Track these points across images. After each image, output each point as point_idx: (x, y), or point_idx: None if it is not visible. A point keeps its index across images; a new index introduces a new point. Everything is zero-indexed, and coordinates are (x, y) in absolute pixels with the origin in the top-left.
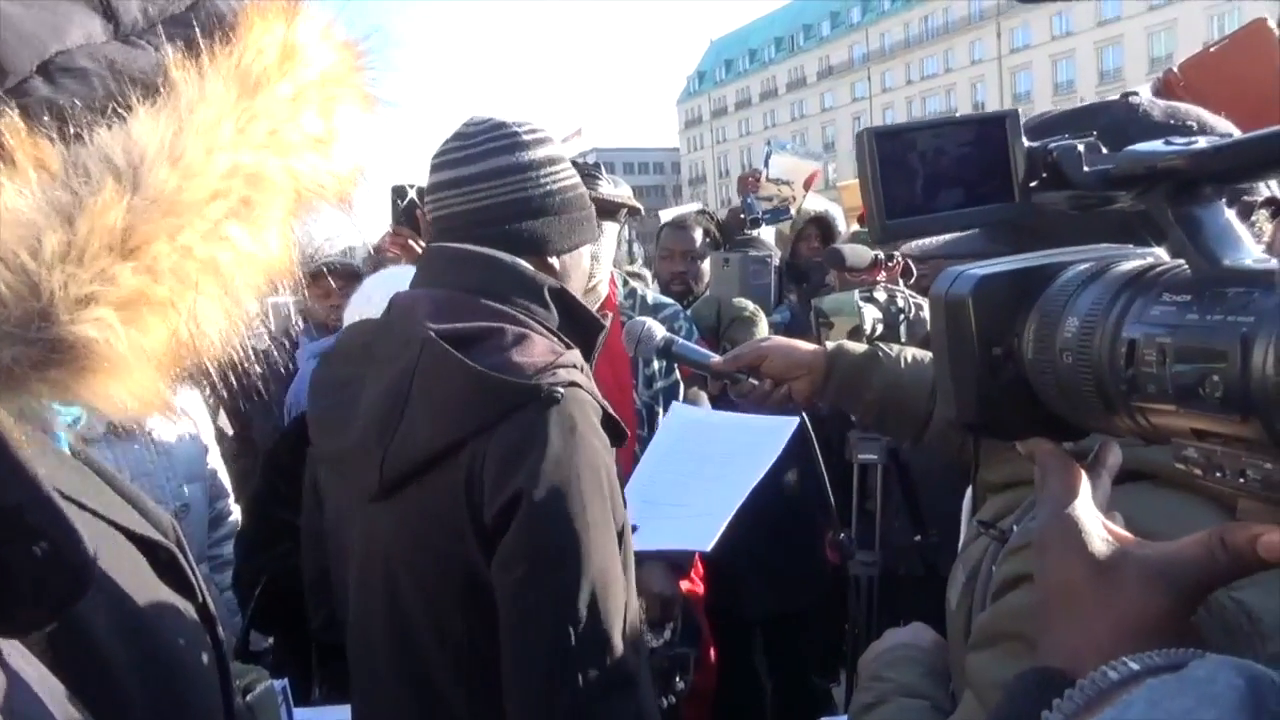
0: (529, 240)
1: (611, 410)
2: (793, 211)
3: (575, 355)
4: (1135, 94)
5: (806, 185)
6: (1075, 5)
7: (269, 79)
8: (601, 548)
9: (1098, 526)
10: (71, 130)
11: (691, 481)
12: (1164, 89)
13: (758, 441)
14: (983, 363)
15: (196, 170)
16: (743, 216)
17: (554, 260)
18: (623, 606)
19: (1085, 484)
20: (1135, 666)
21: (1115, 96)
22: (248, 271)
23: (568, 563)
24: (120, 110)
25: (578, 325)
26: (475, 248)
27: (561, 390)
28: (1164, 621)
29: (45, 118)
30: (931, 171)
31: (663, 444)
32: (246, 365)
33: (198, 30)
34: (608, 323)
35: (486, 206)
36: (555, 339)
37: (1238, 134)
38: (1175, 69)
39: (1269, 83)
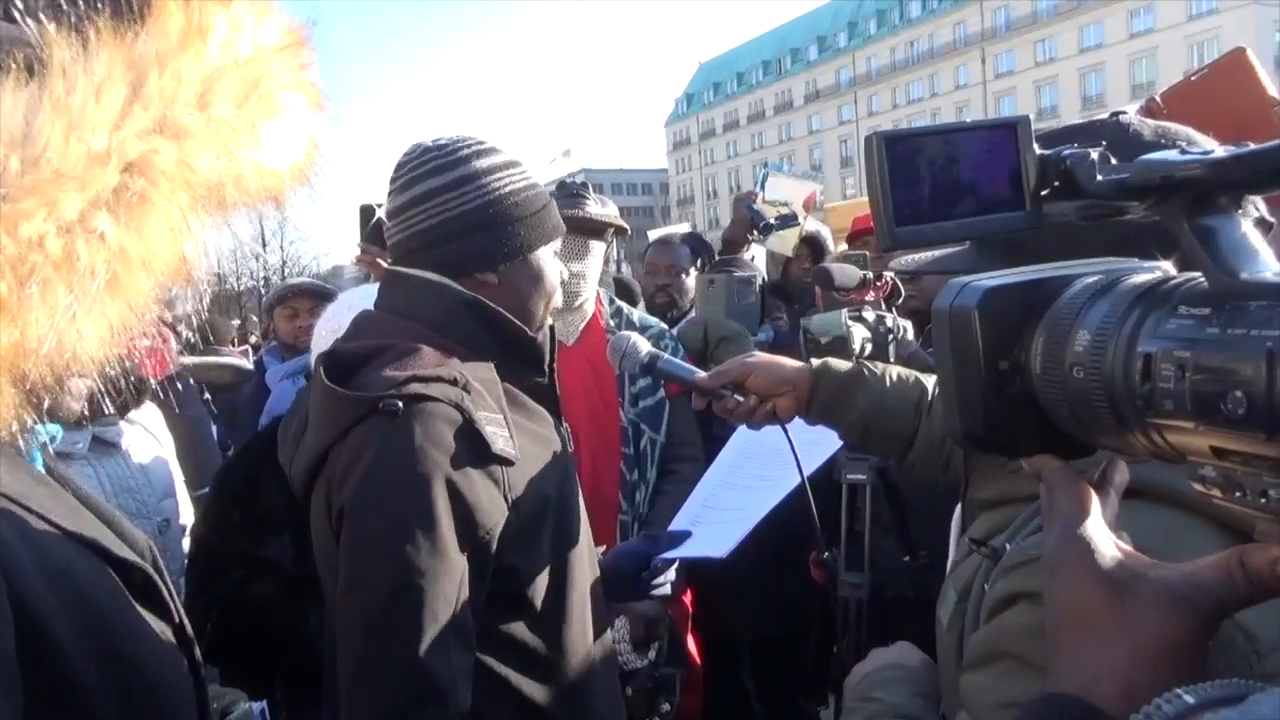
0: (456, 261)
1: (485, 426)
2: (801, 220)
3: (461, 367)
4: (1124, 113)
5: (806, 206)
6: (1058, 33)
7: (164, 60)
8: (414, 560)
9: (1110, 547)
10: None
11: (750, 489)
12: (1146, 115)
13: (808, 451)
14: (989, 377)
15: (52, 153)
16: (751, 225)
17: (489, 275)
18: (440, 621)
19: (1095, 503)
20: (1190, 700)
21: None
22: (126, 268)
23: (376, 573)
24: None
25: (508, 339)
26: (400, 269)
27: (399, 404)
28: (1183, 645)
29: None
30: (941, 179)
31: (733, 450)
32: (130, 372)
33: (102, 9)
34: (541, 336)
35: (415, 233)
36: (469, 352)
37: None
38: (1158, 97)
39: (1249, 110)
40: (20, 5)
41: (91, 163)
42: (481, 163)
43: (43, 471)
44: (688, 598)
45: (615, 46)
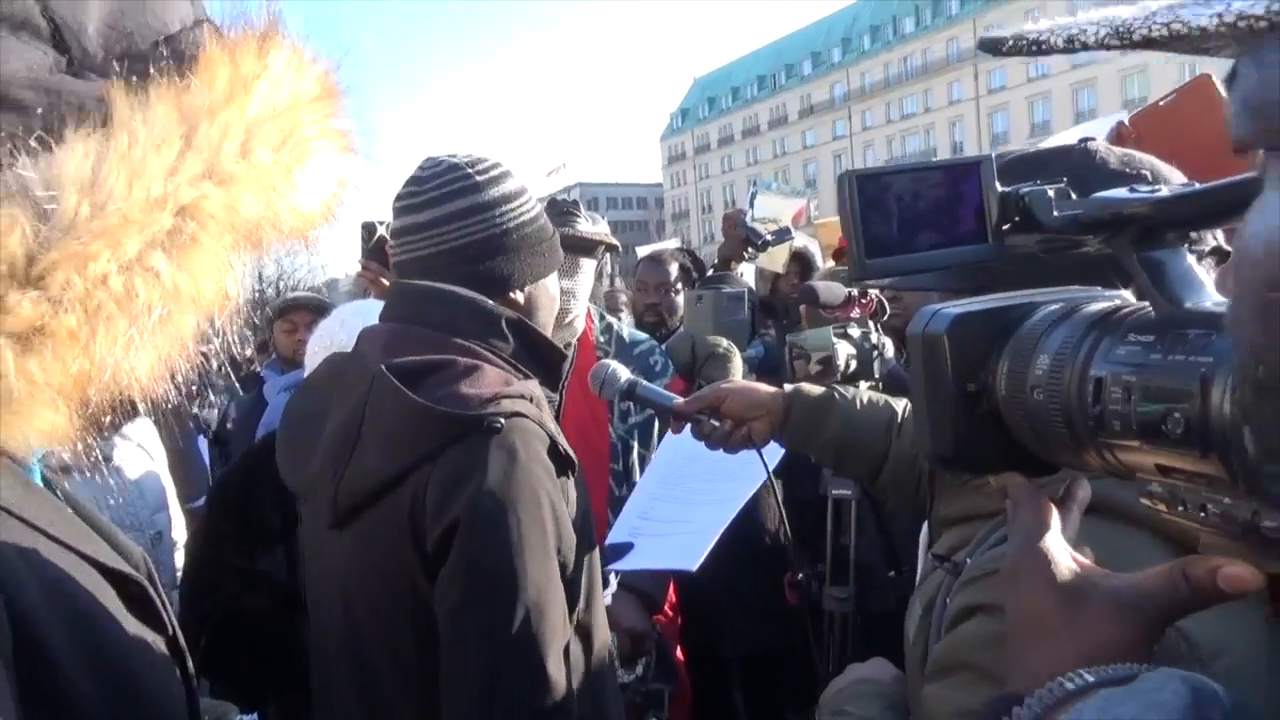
0: (490, 278)
1: (562, 440)
2: (794, 236)
3: (528, 386)
4: (1093, 139)
5: (795, 221)
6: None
7: (213, 112)
8: (537, 575)
9: (1067, 558)
10: None
11: (687, 501)
12: (1116, 139)
13: (749, 462)
14: (958, 398)
15: (115, 199)
16: (747, 242)
17: (517, 294)
18: (559, 634)
19: (1056, 517)
20: (1090, 679)
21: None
22: (178, 304)
23: (501, 589)
24: (51, 139)
25: (539, 356)
26: (435, 284)
27: (502, 420)
28: (1129, 649)
29: None
30: (909, 213)
31: (661, 463)
32: (180, 400)
33: (156, 65)
34: (570, 353)
35: (445, 250)
36: (511, 370)
37: (1187, 183)
38: (1127, 121)
39: (1213, 135)
40: (89, 65)
41: (150, 207)
42: (510, 186)
43: (40, 484)
44: (676, 613)
45: (611, 61)
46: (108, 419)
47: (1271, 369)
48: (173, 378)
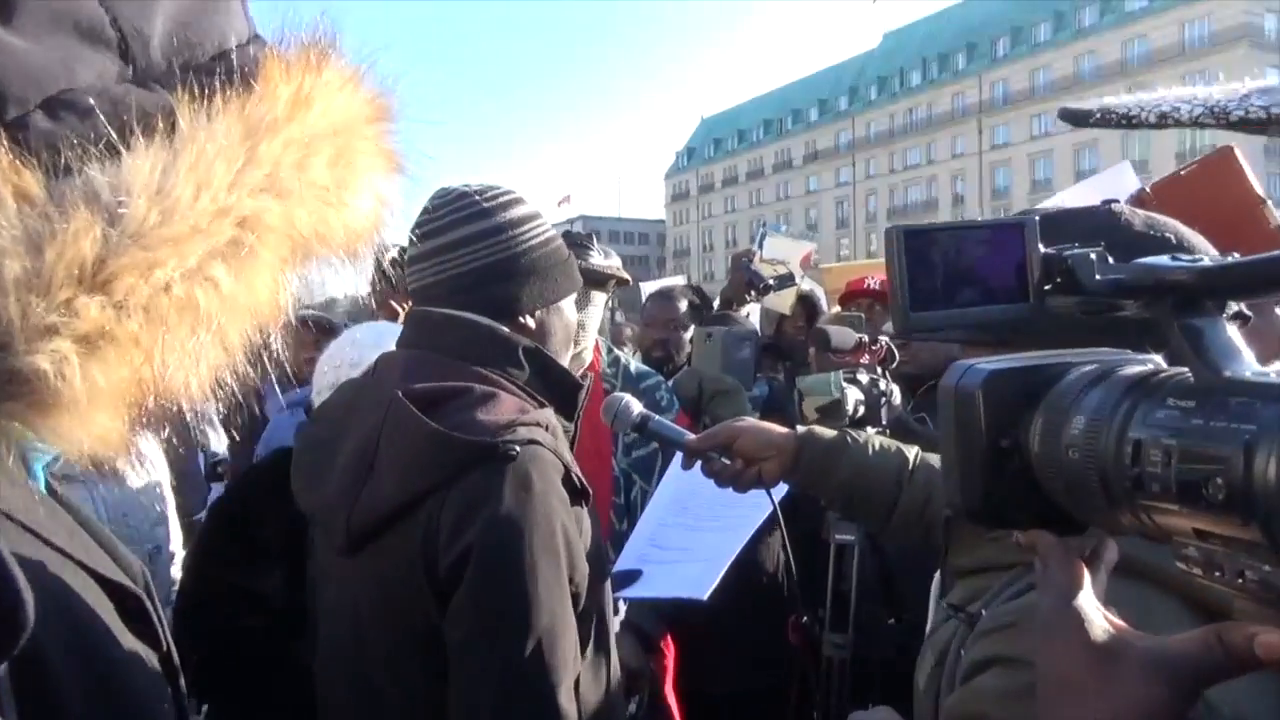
0: (500, 302)
1: (576, 470)
2: (798, 280)
3: (543, 414)
4: (1116, 201)
5: (802, 265)
6: (1055, 108)
7: (276, 127)
8: (550, 605)
9: (1100, 617)
10: (63, 163)
11: (695, 528)
12: (1137, 204)
13: (755, 492)
14: (989, 453)
15: (182, 208)
16: (749, 285)
17: (528, 319)
18: (570, 666)
19: (1087, 576)
20: None
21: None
22: (232, 314)
23: (513, 619)
24: (118, 147)
25: (554, 384)
26: (451, 311)
27: (517, 448)
28: (1161, 711)
29: (39, 149)
30: (953, 269)
31: (668, 490)
32: (226, 410)
33: (217, 78)
34: (586, 383)
35: (455, 275)
36: (527, 398)
37: (1212, 249)
38: (1148, 188)
39: (1233, 207)
40: (153, 75)
41: (214, 217)
42: (520, 211)
43: (44, 492)
44: (670, 651)
45: (617, 97)
46: (155, 428)
47: None
48: (220, 388)
